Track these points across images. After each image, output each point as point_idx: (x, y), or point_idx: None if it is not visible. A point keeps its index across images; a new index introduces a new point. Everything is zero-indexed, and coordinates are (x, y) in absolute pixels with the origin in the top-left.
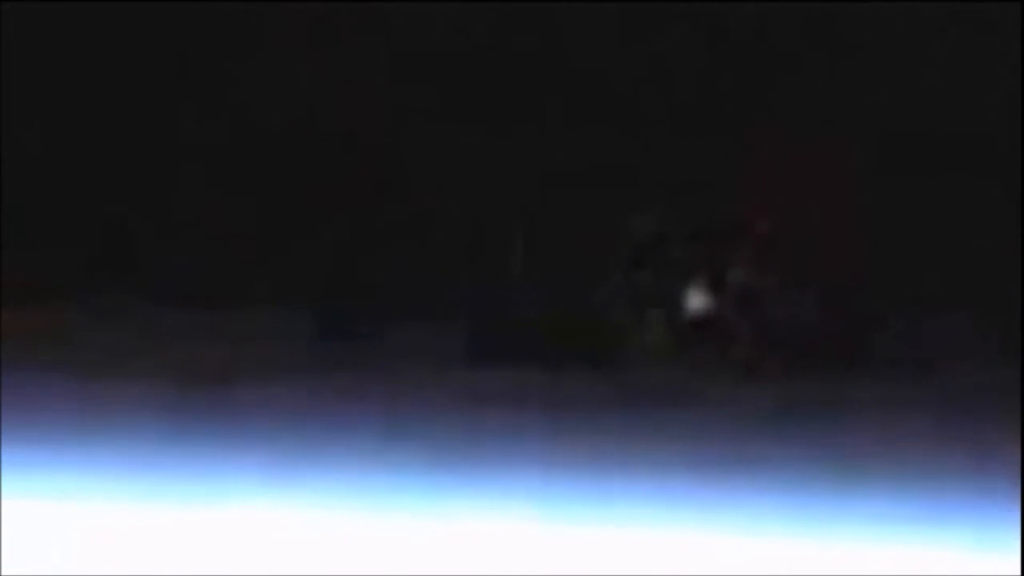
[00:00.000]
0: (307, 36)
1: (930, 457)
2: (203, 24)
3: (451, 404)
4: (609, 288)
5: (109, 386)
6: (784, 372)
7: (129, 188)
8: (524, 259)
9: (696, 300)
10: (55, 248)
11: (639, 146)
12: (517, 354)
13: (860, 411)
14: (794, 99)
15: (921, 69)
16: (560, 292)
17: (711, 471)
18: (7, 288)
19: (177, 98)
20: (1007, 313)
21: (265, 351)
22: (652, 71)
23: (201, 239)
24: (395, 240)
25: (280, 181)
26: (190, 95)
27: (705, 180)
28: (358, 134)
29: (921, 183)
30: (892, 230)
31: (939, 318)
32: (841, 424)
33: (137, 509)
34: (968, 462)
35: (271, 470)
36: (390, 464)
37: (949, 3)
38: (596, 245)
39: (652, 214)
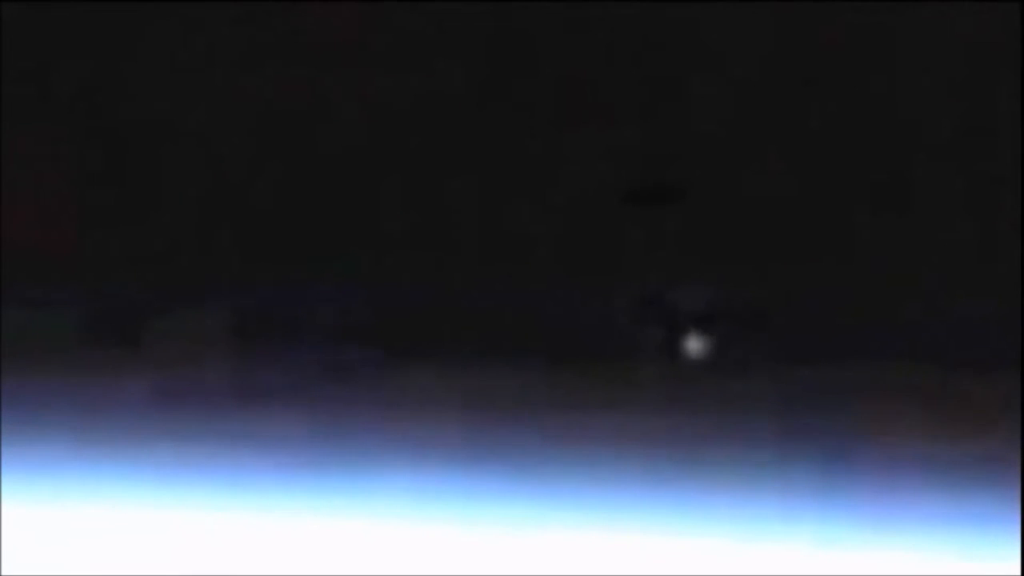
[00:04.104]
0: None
1: (928, 456)
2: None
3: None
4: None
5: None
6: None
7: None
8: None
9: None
10: None
11: None
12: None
13: (857, 409)
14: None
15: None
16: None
17: (698, 470)
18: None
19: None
20: (1007, 312)
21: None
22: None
23: None
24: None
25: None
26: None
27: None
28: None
29: (919, 182)
30: (890, 227)
31: (938, 316)
32: (836, 422)
33: (137, 509)
34: (968, 462)
35: (273, 472)
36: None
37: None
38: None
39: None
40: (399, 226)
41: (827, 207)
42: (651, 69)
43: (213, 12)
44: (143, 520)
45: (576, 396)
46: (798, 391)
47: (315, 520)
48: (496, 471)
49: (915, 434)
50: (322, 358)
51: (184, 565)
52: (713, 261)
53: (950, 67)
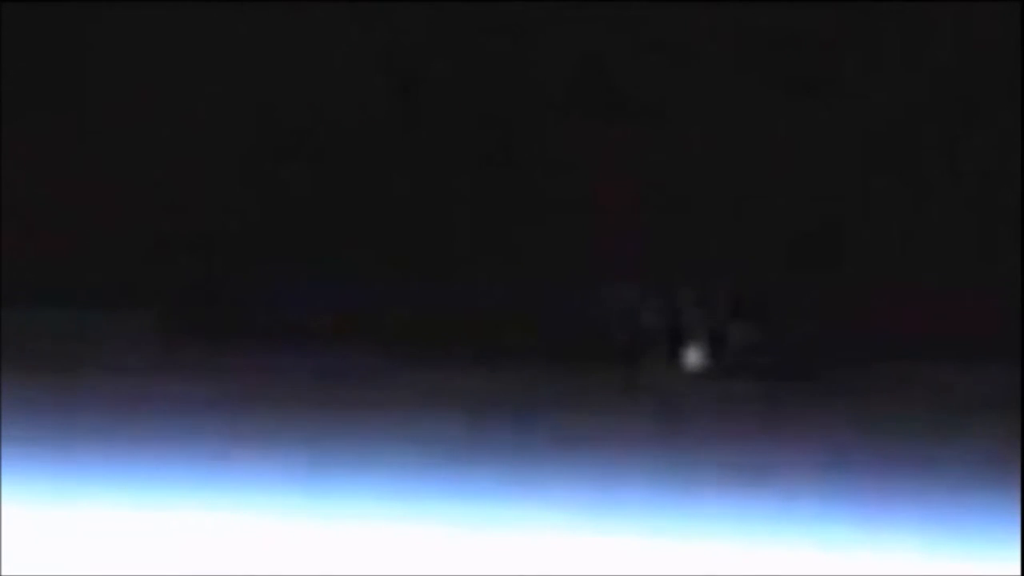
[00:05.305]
0: None
1: (929, 456)
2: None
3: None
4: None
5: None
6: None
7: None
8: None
9: (693, 357)
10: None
11: None
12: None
13: (858, 409)
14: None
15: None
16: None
17: (692, 470)
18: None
19: None
20: (1007, 311)
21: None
22: None
23: None
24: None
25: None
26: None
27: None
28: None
29: (919, 184)
30: (890, 226)
31: (938, 315)
32: (837, 422)
33: (136, 510)
34: (968, 462)
35: (272, 472)
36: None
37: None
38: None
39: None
40: (399, 226)
41: (827, 207)
42: (652, 69)
43: (213, 12)
44: (142, 520)
45: (576, 397)
46: (798, 391)
47: (314, 520)
48: (496, 471)
49: (915, 434)
50: (322, 358)
51: (184, 565)
52: (714, 261)
53: (949, 66)
